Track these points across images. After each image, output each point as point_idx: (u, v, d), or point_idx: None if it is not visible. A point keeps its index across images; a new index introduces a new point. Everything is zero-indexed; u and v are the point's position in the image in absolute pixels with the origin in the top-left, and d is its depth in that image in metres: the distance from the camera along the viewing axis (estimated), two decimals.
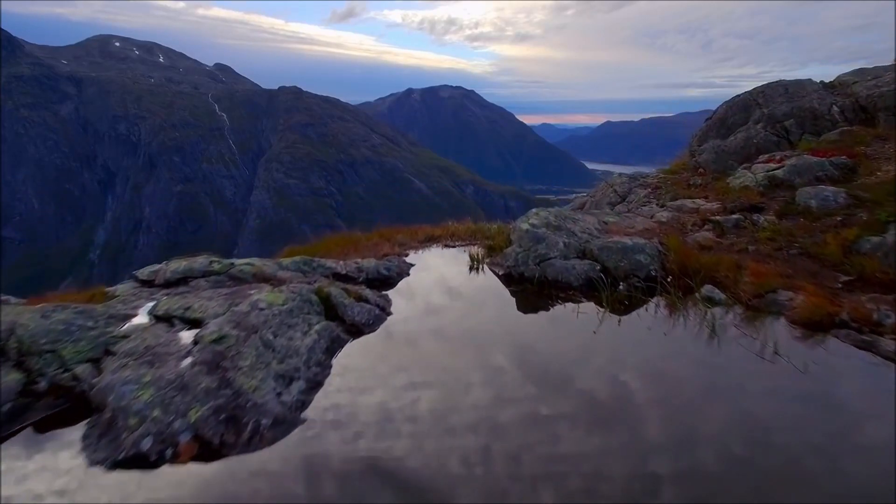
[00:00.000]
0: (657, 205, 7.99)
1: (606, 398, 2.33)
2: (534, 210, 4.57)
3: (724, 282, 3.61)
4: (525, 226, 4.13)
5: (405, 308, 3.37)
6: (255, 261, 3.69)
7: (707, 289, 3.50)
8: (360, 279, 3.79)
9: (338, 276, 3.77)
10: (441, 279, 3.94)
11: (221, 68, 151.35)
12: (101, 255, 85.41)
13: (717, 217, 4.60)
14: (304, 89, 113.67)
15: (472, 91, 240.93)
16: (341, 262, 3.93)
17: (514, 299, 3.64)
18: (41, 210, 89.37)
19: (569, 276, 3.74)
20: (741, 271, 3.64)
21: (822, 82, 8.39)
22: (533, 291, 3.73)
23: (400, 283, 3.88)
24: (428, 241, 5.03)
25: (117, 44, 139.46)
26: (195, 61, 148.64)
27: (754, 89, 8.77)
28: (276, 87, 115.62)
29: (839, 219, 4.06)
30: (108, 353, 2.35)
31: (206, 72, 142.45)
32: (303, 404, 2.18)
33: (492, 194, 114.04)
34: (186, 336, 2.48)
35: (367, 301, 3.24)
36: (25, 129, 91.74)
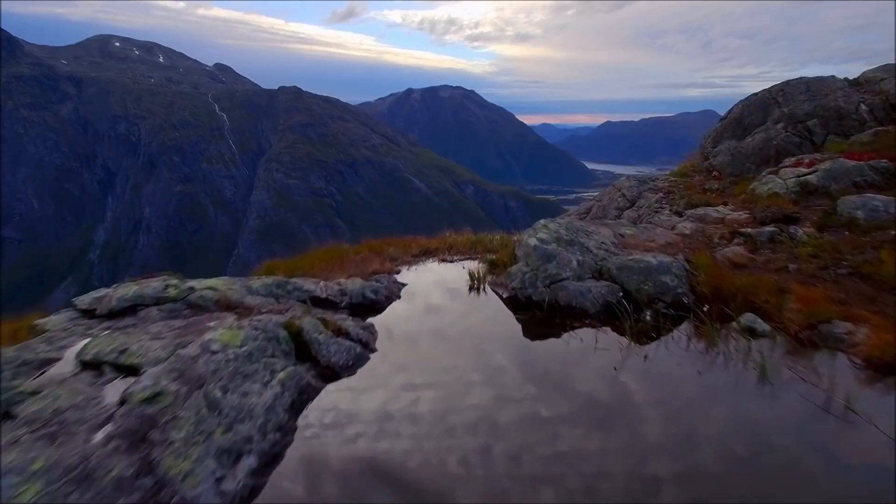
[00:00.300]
0: (670, 211, 7.47)
1: (634, 462, 1.83)
2: (542, 221, 4.06)
3: (766, 308, 3.10)
4: (533, 241, 3.62)
5: (392, 343, 2.86)
6: (220, 283, 3.19)
7: (748, 318, 2.99)
8: (343, 304, 3.28)
9: (317, 301, 3.26)
10: (436, 303, 3.43)
11: (221, 68, 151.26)
12: (101, 255, 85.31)
13: (748, 229, 4.08)
14: (304, 89, 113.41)
15: (472, 91, 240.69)
16: (322, 284, 3.43)
17: (520, 328, 3.13)
18: (41, 210, 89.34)
19: (584, 302, 3.23)
20: (784, 295, 3.13)
21: (846, 79, 7.86)
22: (543, 319, 3.22)
23: (388, 309, 3.38)
24: (423, 255, 4.53)
25: (117, 44, 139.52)
26: (195, 61, 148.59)
27: (773, 87, 8.24)
28: (276, 87, 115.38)
29: (893, 233, 3.54)
30: (8, 416, 1.84)
31: (206, 72, 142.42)
32: (251, 492, 1.67)
33: (492, 194, 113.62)
34: (114, 391, 1.98)
35: (347, 335, 2.73)
36: (25, 129, 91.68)
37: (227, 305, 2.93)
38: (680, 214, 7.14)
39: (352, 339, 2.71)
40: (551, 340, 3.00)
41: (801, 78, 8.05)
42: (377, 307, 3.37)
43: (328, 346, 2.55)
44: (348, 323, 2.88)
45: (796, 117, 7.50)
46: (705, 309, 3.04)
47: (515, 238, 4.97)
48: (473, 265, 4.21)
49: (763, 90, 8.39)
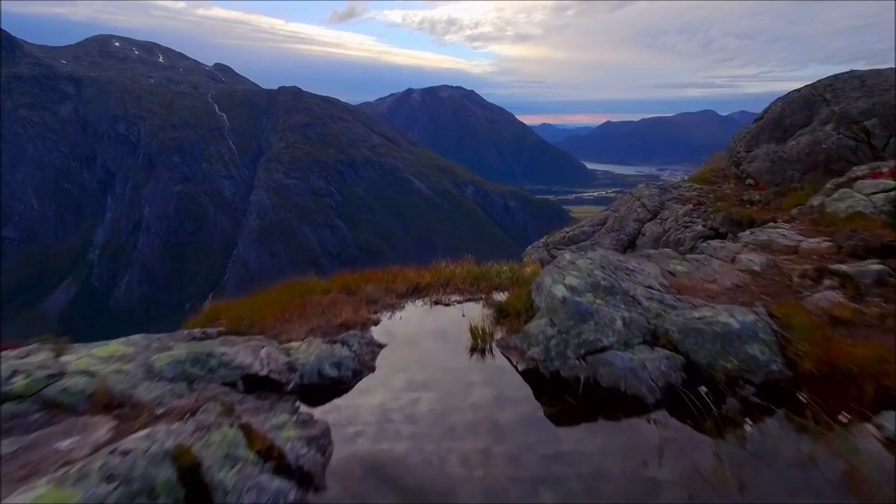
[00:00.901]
0: (704, 226, 6.46)
1: None
2: (567, 256, 3.05)
3: None
4: (560, 291, 2.61)
5: (351, 469, 1.85)
6: (113, 355, 2.19)
7: (891, 419, 1.99)
8: (290, 386, 2.29)
9: (253, 382, 2.27)
10: (422, 381, 2.43)
11: (221, 68, 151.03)
12: (100, 255, 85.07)
13: (843, 266, 3.07)
14: (304, 89, 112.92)
15: (472, 91, 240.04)
16: (263, 353, 2.43)
17: (544, 433, 2.12)
18: (41, 210, 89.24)
19: (638, 384, 2.23)
20: None
21: None
22: (578, 412, 2.22)
23: (355, 392, 2.37)
24: (411, 295, 3.52)
25: (117, 44, 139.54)
26: (195, 61, 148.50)
27: (818, 82, 7.20)
28: (276, 87, 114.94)
29: None
30: None
31: (206, 72, 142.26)
32: None
33: (492, 194, 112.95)
34: None
35: (281, 460, 1.73)
36: (25, 129, 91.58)
37: (105, 403, 1.93)
38: (716, 232, 6.14)
39: (286, 471, 1.71)
40: (593, 457, 1.99)
41: (852, 71, 7.01)
42: (340, 388, 2.37)
43: (241, 496, 1.55)
44: (287, 434, 1.87)
45: (850, 117, 6.48)
46: (812, 398, 2.03)
47: (529, 269, 3.96)
48: (476, 310, 3.22)
49: (806, 86, 7.35)
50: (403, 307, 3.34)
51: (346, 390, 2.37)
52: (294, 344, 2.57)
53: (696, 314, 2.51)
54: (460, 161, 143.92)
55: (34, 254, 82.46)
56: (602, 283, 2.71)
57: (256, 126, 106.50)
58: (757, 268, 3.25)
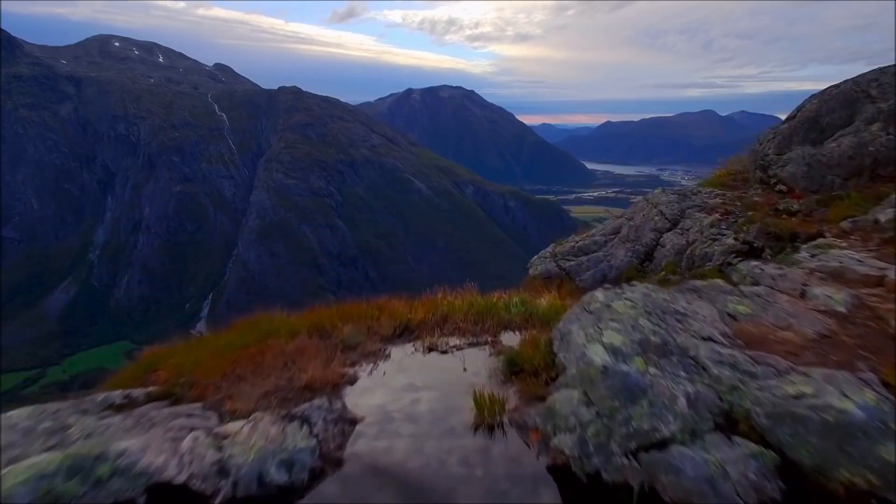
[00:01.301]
0: (735, 239, 5.74)
1: None
2: (600, 297, 2.33)
3: None
4: (598, 355, 1.90)
5: None
6: None
7: None
8: (218, 500, 1.58)
9: (163, 494, 1.57)
10: (409, 479, 1.72)
11: (221, 68, 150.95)
12: (100, 255, 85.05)
13: None
14: (304, 89, 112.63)
15: (472, 91, 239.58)
16: (186, 442, 1.73)
17: None
18: (41, 210, 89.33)
19: (717, 502, 1.53)
20: None
21: None
22: None
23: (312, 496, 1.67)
24: (399, 337, 2.81)
25: (117, 44, 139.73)
26: (195, 61, 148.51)
27: (861, 77, 6.46)
28: (276, 87, 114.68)
29: None
30: None
31: (206, 72, 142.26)
32: None
33: (492, 194, 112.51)
34: None
35: None
36: (25, 129, 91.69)
37: None
38: (750, 246, 5.42)
39: None
40: None
41: None
42: (289, 499, 1.66)
43: None
44: None
45: None
46: None
47: (544, 301, 3.25)
48: (481, 361, 2.52)
49: (847, 81, 6.61)
50: (389, 355, 2.63)
51: (297, 498, 1.66)
52: (232, 427, 1.86)
53: (789, 389, 1.79)
54: (460, 161, 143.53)
55: (34, 254, 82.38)
56: (652, 338, 2.00)
57: (256, 126, 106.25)
58: (841, 308, 2.54)
